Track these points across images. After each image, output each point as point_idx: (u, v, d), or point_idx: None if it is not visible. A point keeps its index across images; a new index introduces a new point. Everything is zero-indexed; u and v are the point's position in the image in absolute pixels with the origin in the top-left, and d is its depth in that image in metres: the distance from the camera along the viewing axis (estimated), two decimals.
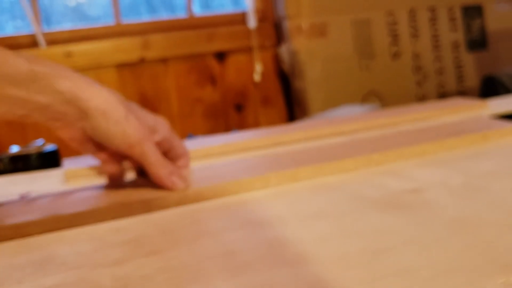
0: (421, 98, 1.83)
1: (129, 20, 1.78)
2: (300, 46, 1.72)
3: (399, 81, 1.81)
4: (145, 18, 1.87)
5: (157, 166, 0.45)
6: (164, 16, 1.87)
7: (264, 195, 0.46)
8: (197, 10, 1.90)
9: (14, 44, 1.64)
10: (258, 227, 0.38)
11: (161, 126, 0.49)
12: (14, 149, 0.72)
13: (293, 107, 1.84)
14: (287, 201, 0.43)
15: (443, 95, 1.86)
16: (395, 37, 1.80)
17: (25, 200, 0.49)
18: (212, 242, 0.36)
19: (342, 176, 0.49)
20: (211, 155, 0.66)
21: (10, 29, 1.77)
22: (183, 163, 0.51)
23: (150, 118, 0.48)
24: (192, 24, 1.80)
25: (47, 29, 1.69)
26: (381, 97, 1.79)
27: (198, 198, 0.46)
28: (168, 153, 0.50)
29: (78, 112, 0.43)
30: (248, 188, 0.47)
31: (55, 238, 0.40)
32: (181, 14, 1.84)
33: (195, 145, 0.68)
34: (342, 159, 0.50)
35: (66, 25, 1.77)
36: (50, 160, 0.70)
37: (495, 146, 0.54)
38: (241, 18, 1.83)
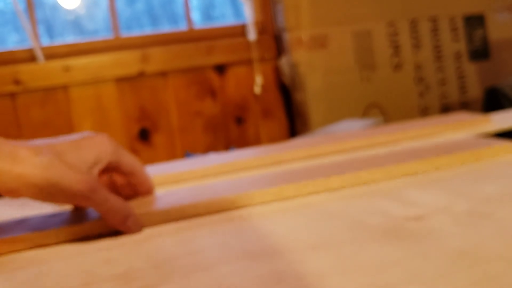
0: (424, 109, 1.82)
1: (128, 33, 1.77)
2: (300, 58, 1.70)
3: (401, 93, 1.79)
4: (145, 30, 1.86)
5: (110, 213, 0.44)
6: (165, 27, 1.87)
7: (259, 213, 0.44)
8: (198, 20, 1.89)
9: (12, 59, 1.63)
10: (254, 258, 0.36)
11: (103, 151, 0.46)
12: None
13: (294, 120, 1.82)
14: (283, 227, 0.42)
15: (445, 106, 1.84)
16: (396, 48, 1.79)
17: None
18: (207, 277, 0.34)
19: (334, 196, 0.47)
20: (207, 175, 0.64)
21: (13, 41, 1.76)
22: (138, 180, 0.49)
23: (91, 151, 0.45)
24: (191, 37, 1.79)
25: (46, 43, 1.68)
26: (383, 109, 1.77)
27: (181, 215, 0.46)
28: (118, 170, 0.48)
29: (12, 190, 0.41)
30: (239, 204, 0.47)
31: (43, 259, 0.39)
32: (182, 26, 1.83)
33: (190, 165, 0.66)
34: (328, 176, 0.50)
35: (65, 39, 1.76)
36: None
37: (490, 165, 0.52)
38: (241, 30, 1.82)
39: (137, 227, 0.45)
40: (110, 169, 0.47)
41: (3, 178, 0.40)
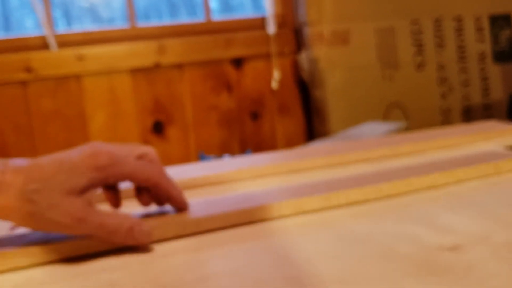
0: (445, 111, 1.76)
1: (145, 23, 1.73)
2: (320, 54, 1.65)
3: (423, 93, 1.74)
4: (163, 19, 1.82)
5: (110, 236, 0.40)
6: (183, 16, 1.83)
7: (276, 231, 0.41)
8: (216, 9, 1.85)
9: (24, 46, 1.60)
10: None
11: (142, 173, 0.43)
12: None
13: (311, 117, 1.77)
14: (304, 251, 0.38)
15: (468, 108, 1.79)
16: (419, 47, 1.73)
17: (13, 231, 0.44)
18: None
19: (357, 212, 0.44)
20: (222, 182, 0.60)
21: (29, 26, 1.73)
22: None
23: (79, 172, 0.40)
24: (209, 29, 1.75)
25: (63, 28, 1.65)
26: (404, 109, 1.72)
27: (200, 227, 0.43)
28: (153, 188, 0.44)
29: None
30: (257, 218, 0.45)
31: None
32: (200, 15, 1.79)
33: (205, 170, 0.62)
34: (343, 190, 0.48)
35: (82, 25, 1.73)
36: None
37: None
38: (260, 23, 1.78)
39: (145, 237, 0.41)
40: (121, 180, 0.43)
41: None
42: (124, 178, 0.42)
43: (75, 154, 0.41)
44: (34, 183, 0.38)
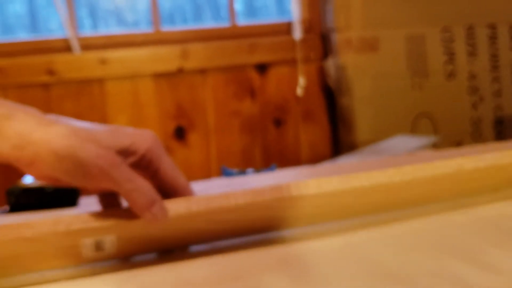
0: (476, 121, 1.70)
1: (169, 26, 1.70)
2: (348, 61, 1.61)
3: (453, 103, 1.68)
4: (188, 21, 1.80)
5: (134, 194, 0.39)
6: (208, 18, 1.80)
7: (298, 257, 0.36)
8: (241, 12, 1.81)
9: (47, 48, 1.59)
10: None
11: (140, 143, 0.41)
12: (28, 179, 0.63)
13: (337, 125, 1.73)
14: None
15: (499, 119, 1.73)
16: (451, 55, 1.68)
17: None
18: None
19: (383, 237, 0.38)
20: None
21: (54, 26, 1.72)
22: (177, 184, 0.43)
23: (126, 137, 0.40)
24: (234, 33, 1.71)
25: (88, 29, 1.64)
26: (433, 119, 1.67)
27: None
28: (156, 173, 0.43)
29: (31, 158, 0.38)
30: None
31: None
32: (225, 19, 1.76)
33: (227, 188, 0.59)
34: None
35: (106, 27, 1.72)
36: (66, 197, 0.61)
37: None
38: (286, 28, 1.74)
39: (163, 216, 0.40)
40: (144, 169, 0.42)
41: (22, 142, 0.37)
42: (154, 158, 0.42)
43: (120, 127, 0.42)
44: (75, 127, 0.39)
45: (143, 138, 0.41)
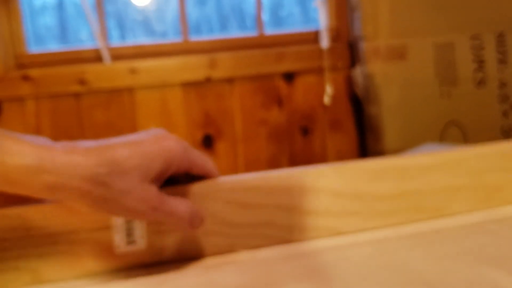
0: (507, 130, 1.67)
1: (197, 36, 1.72)
2: (376, 69, 1.60)
3: (483, 111, 1.66)
4: (215, 30, 1.81)
5: (176, 225, 0.41)
6: (234, 27, 1.81)
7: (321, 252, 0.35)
8: (266, 20, 1.82)
9: (78, 58, 1.62)
10: None
11: (170, 160, 0.40)
12: None
13: (364, 134, 1.72)
14: None
15: None
16: (480, 63, 1.65)
17: None
18: None
19: (418, 243, 0.36)
20: None
21: (85, 35, 1.75)
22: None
23: (156, 161, 0.39)
24: (261, 43, 1.72)
25: (116, 39, 1.66)
26: (463, 128, 1.64)
27: None
28: (190, 170, 0.43)
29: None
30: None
31: None
32: (251, 28, 1.77)
33: None
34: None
35: (134, 38, 1.74)
36: None
37: None
38: (313, 37, 1.74)
39: (200, 222, 0.42)
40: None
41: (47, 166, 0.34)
42: (186, 166, 0.42)
43: (144, 137, 0.39)
44: (107, 166, 0.35)
45: (173, 153, 0.39)
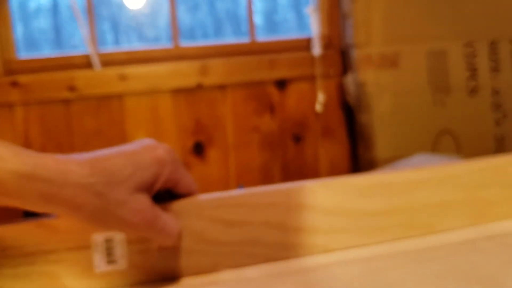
0: (500, 139, 1.67)
1: (189, 41, 1.71)
2: (368, 77, 1.60)
3: (476, 120, 1.65)
4: (208, 38, 1.80)
5: (163, 242, 0.40)
6: (228, 33, 1.80)
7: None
8: (260, 27, 1.81)
9: (68, 64, 1.60)
10: None
11: (160, 171, 0.39)
12: None
13: (356, 143, 1.71)
14: None
15: None
16: (473, 71, 1.65)
17: None
18: None
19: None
20: None
21: (78, 41, 1.73)
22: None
23: (147, 170, 0.38)
24: (253, 49, 1.71)
25: (103, 49, 1.65)
26: (455, 136, 1.64)
27: None
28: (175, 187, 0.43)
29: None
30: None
31: None
32: (245, 34, 1.76)
33: None
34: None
35: (127, 42, 1.73)
36: None
37: None
38: (305, 44, 1.73)
39: (179, 239, 0.42)
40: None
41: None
42: (174, 179, 0.41)
43: (136, 147, 0.39)
44: (102, 175, 0.35)
45: (163, 163, 0.39)
